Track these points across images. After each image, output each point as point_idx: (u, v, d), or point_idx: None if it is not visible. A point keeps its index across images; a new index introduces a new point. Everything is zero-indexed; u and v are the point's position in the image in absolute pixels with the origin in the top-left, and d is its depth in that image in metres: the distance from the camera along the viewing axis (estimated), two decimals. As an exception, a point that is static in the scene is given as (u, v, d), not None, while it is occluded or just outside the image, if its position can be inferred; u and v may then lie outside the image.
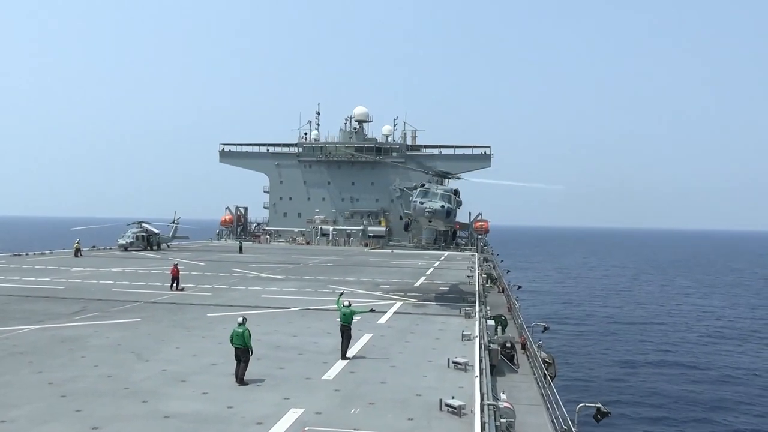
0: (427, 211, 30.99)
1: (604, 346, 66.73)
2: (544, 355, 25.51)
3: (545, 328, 32.24)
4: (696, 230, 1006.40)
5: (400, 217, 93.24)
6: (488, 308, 32.29)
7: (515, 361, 24.34)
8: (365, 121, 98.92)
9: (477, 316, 28.17)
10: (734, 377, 55.71)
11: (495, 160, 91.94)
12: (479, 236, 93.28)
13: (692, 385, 52.55)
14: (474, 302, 32.37)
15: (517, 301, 41.23)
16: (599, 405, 19.88)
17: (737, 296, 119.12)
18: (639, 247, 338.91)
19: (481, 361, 19.47)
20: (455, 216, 32.82)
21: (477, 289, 39.34)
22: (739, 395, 50.01)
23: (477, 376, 17.57)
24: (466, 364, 19.07)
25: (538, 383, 21.77)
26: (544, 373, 21.90)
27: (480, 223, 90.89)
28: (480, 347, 21.36)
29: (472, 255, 75.11)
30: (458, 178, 33.33)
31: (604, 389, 49.19)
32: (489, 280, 49.68)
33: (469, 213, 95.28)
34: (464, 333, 23.73)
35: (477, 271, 50.98)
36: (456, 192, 32.86)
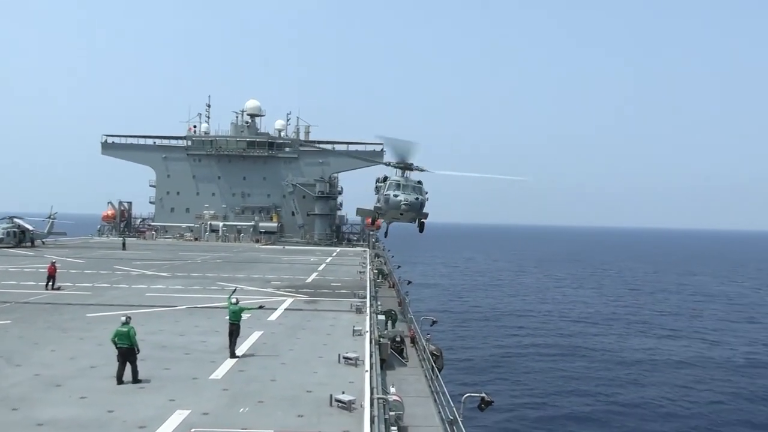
0: (404, 204, 31.05)
1: (488, 337, 70.02)
2: (432, 347, 26.16)
3: (434, 322, 33.08)
4: (600, 227, 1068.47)
5: (292, 213, 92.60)
6: (379, 303, 32.76)
7: (404, 354, 24.84)
8: (257, 115, 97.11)
9: (368, 311, 28.50)
10: (603, 359, 61.10)
11: (387, 158, 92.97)
12: (371, 232, 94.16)
13: (567, 367, 57.54)
14: (365, 298, 32.70)
15: (407, 295, 42.06)
16: (483, 394, 20.69)
17: (605, 287, 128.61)
18: (536, 243, 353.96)
19: (371, 355, 19.74)
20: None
21: (368, 284, 39.76)
22: (608, 373, 55.32)
23: (367, 371, 17.80)
24: (356, 359, 19.27)
25: (426, 375, 22.34)
26: (432, 366, 22.49)
27: (372, 219, 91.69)
28: (370, 342, 21.66)
29: (364, 251, 75.76)
30: (421, 170, 33.34)
31: (489, 378, 51.66)
32: (380, 276, 50.32)
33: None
34: (355, 328, 23.96)
35: (368, 267, 51.49)
36: (421, 183, 33.13)
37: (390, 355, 23.45)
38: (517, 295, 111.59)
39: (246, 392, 15.97)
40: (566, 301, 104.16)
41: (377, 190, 35.28)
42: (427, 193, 32.86)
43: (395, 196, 31.22)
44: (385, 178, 34.15)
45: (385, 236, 35.94)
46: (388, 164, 33.78)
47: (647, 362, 59.87)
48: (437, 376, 21.13)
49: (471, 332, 72.17)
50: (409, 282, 55.88)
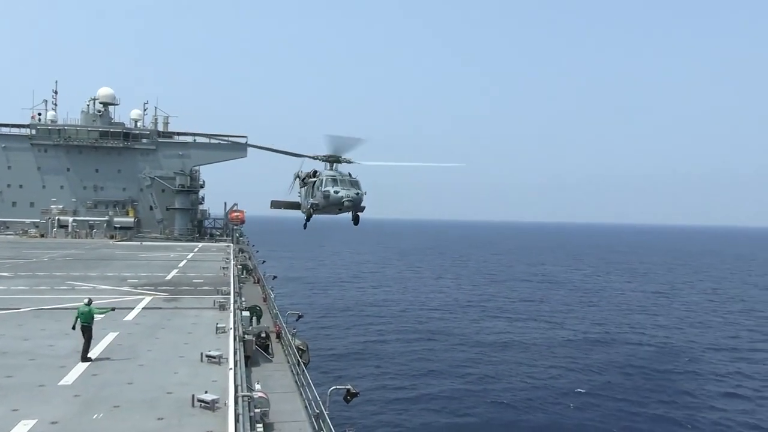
0: (346, 201, 30.58)
1: (353, 328, 71.49)
2: (298, 342, 26.17)
3: (299, 316, 33.07)
4: (464, 221, 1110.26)
5: (151, 207, 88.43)
6: (243, 299, 32.20)
7: (270, 350, 24.66)
8: (111, 104, 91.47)
9: (232, 307, 27.95)
10: (460, 342, 65.29)
11: (251, 150, 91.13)
12: (235, 227, 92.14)
13: (427, 352, 61.41)
14: (228, 294, 32.02)
15: (272, 290, 41.72)
16: (349, 386, 21.05)
17: (463, 277, 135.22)
18: (401, 237, 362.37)
19: (235, 353, 19.41)
20: None
21: (232, 280, 38.95)
22: (465, 354, 59.80)
23: (231, 369, 17.49)
24: (220, 357, 18.86)
25: (292, 371, 22.32)
26: (298, 361, 22.51)
27: (236, 214, 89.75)
28: (234, 339, 21.28)
29: (228, 246, 74.03)
30: (349, 162, 32.70)
31: (355, 369, 52.75)
32: (244, 271, 49.48)
33: (225, 203, 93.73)
34: (218, 325, 23.42)
35: (232, 263, 50.41)
36: (351, 175, 32.58)
37: (255, 351, 23.20)
38: (380, 286, 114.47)
39: (100, 397, 15.14)
40: (427, 291, 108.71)
41: (304, 184, 34.89)
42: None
43: (336, 192, 30.90)
44: (315, 173, 33.69)
45: (305, 228, 36.01)
46: (315, 158, 33.50)
47: (499, 343, 65.12)
48: (303, 370, 21.18)
49: (336, 325, 73.04)
50: (275, 277, 55.50)
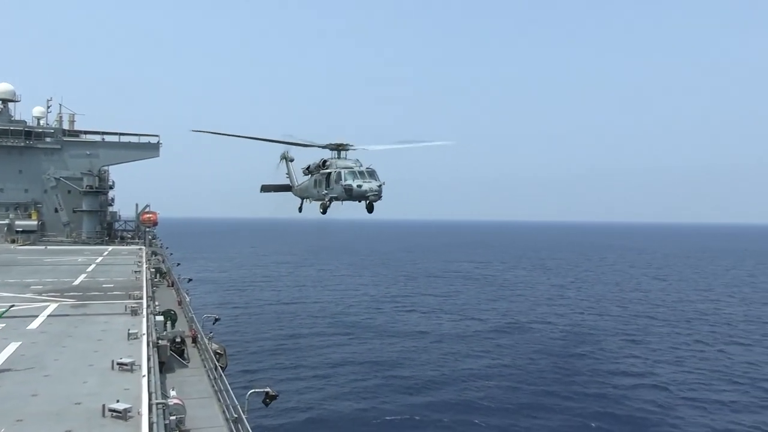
0: (371, 194, 30.72)
1: (271, 329, 71.43)
2: (215, 346, 25.65)
3: (216, 320, 32.50)
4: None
5: (56, 210, 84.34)
6: (157, 303, 31.29)
7: (185, 355, 24.07)
8: (11, 101, 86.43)
9: (144, 312, 27.06)
10: (375, 336, 67.45)
11: (163, 151, 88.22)
12: (147, 229, 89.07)
13: (343, 347, 62.29)
14: (141, 298, 30.97)
15: (187, 294, 40.70)
16: (268, 389, 20.85)
17: (380, 275, 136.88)
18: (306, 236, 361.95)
19: (148, 359, 18.80)
20: None
21: (144, 284, 37.69)
22: (380, 345, 62.13)
23: (144, 376, 16.94)
24: (132, 364, 18.22)
25: (209, 375, 21.86)
26: (215, 365, 22.07)
27: (148, 215, 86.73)
28: (148, 345, 20.61)
29: (140, 249, 71.53)
30: (354, 149, 32.18)
31: (274, 370, 52.57)
32: (158, 275, 48.04)
33: (137, 204, 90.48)
34: (130, 331, 22.61)
35: (145, 266, 48.76)
36: (359, 165, 32.25)
37: (170, 357, 22.59)
38: (296, 286, 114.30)
39: (1, 411, 14.33)
40: (344, 288, 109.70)
41: (309, 173, 35.18)
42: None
43: (359, 186, 31.02)
44: (324, 163, 33.61)
45: (300, 211, 35.86)
46: (324, 147, 33.22)
47: (412, 335, 67.64)
48: (221, 375, 20.79)
49: (254, 326, 72.44)
50: (190, 279, 54.24)
